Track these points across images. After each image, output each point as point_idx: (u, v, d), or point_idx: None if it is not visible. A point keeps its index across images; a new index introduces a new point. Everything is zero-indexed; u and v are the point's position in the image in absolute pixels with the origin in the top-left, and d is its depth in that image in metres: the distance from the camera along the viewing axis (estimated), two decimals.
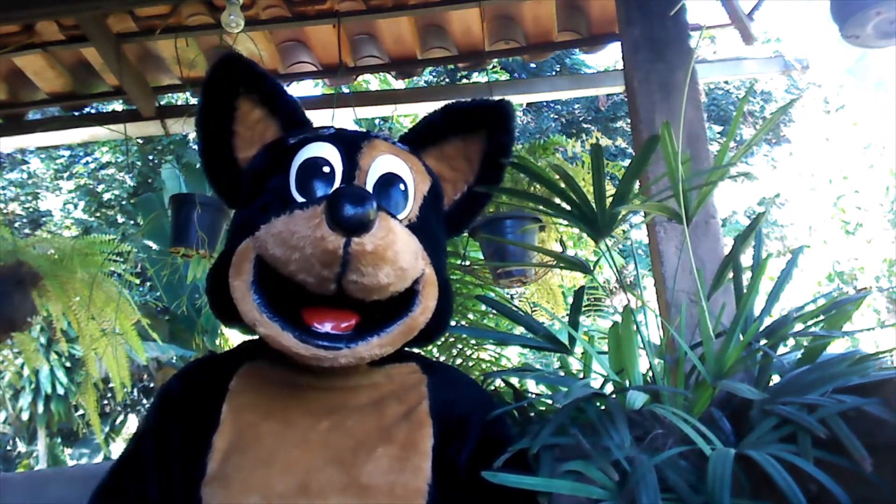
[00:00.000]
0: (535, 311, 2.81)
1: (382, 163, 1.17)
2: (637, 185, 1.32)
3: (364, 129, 1.30)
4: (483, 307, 2.67)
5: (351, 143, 1.17)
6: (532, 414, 1.27)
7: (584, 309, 1.32)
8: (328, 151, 1.15)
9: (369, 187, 1.14)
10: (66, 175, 9.51)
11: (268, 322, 1.03)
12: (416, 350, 1.24)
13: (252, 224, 1.10)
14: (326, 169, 1.13)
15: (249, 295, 1.05)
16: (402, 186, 1.17)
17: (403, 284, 1.07)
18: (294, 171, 1.13)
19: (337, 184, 1.13)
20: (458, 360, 2.48)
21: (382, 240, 1.01)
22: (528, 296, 2.82)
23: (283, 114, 1.26)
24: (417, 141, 1.29)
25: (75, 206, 9.45)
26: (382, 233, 1.02)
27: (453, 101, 1.33)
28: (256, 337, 1.23)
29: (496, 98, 1.35)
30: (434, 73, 8.67)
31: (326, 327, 1.04)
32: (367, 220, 0.99)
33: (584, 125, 9.69)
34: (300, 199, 1.10)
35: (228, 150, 1.23)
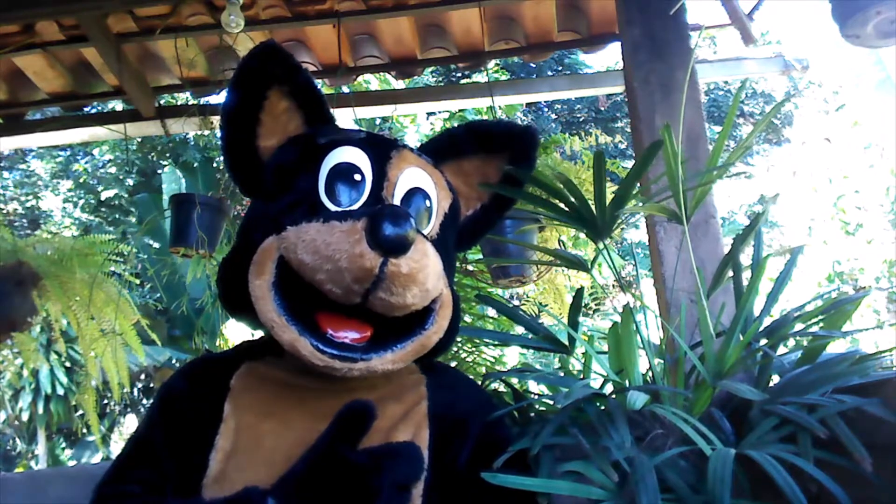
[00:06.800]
0: (541, 311, 2.81)
1: (410, 176, 1.17)
2: (637, 184, 1.32)
3: (391, 137, 1.28)
4: (479, 309, 2.66)
5: (381, 151, 1.17)
6: (532, 414, 1.27)
7: (583, 309, 1.32)
8: (359, 158, 1.14)
9: (397, 200, 1.14)
10: (64, 175, 9.50)
11: (286, 326, 1.03)
12: None
13: (277, 221, 1.09)
14: (357, 177, 1.13)
15: (270, 296, 1.05)
16: (427, 203, 1.18)
17: (423, 304, 1.09)
18: (324, 174, 1.13)
19: (366, 192, 1.12)
20: (454, 363, 2.48)
21: (417, 263, 1.02)
22: (534, 296, 2.82)
23: (308, 108, 1.25)
24: (437, 153, 1.28)
25: (75, 206, 9.43)
26: (418, 256, 1.03)
27: (478, 119, 1.33)
28: (256, 336, 1.24)
29: (523, 124, 1.36)
30: (434, 73, 8.66)
31: (344, 337, 1.05)
32: (406, 243, 1.00)
33: (585, 125, 9.69)
34: (330, 204, 1.10)
35: (251, 138, 1.21)
